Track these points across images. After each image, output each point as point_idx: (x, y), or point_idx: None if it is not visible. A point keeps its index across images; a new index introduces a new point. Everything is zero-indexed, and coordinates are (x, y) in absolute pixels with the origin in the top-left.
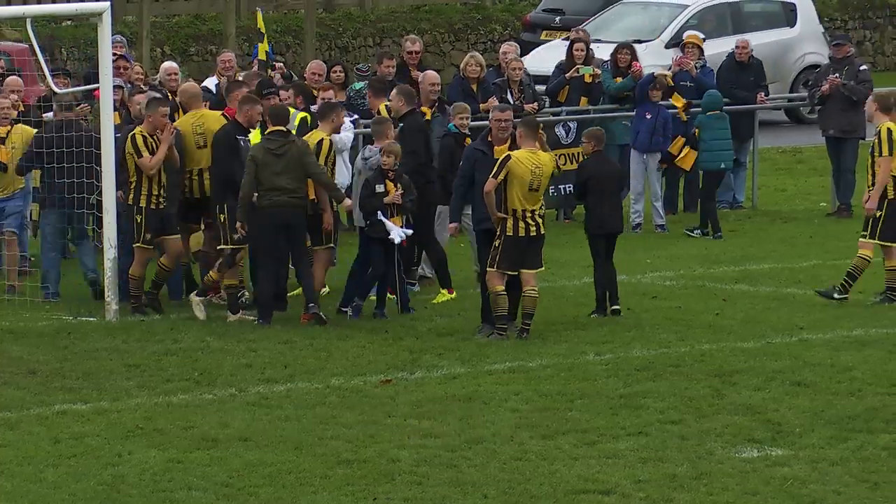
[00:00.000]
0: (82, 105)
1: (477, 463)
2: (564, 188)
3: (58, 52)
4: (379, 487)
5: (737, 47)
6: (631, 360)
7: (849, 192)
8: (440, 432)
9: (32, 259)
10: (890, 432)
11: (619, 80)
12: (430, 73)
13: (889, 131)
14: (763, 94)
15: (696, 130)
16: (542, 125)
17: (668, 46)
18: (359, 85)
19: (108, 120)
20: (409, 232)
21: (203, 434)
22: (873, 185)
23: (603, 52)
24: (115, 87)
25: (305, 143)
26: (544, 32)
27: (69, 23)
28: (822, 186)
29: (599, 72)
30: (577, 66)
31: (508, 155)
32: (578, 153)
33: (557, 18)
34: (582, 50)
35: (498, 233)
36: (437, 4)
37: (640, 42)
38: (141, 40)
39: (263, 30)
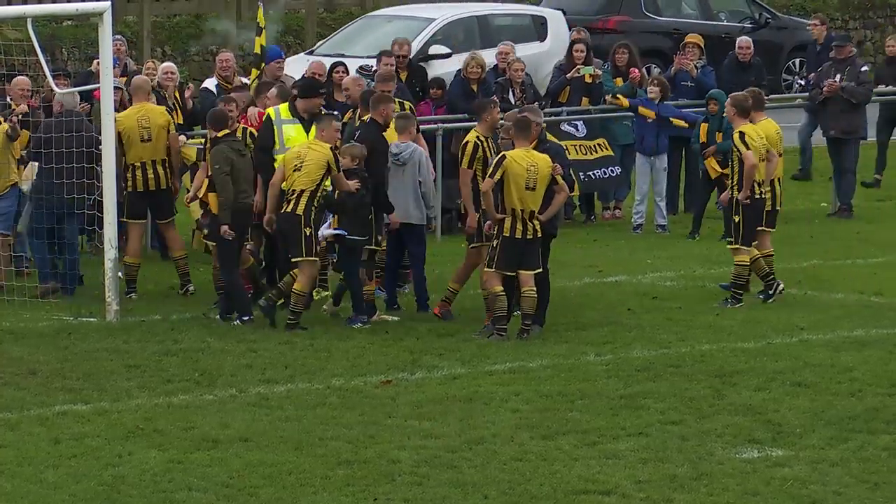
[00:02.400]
0: (82, 105)
1: (477, 463)
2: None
3: (58, 52)
4: (379, 488)
5: (739, 47)
6: (631, 361)
7: (850, 192)
8: (440, 433)
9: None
10: (890, 433)
11: (620, 81)
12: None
13: (742, 134)
14: (764, 93)
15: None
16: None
17: (415, 61)
18: None
19: (109, 120)
20: (335, 232)
21: (203, 435)
22: (732, 188)
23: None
24: (114, 88)
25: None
26: None
27: (70, 23)
28: (823, 187)
29: (600, 72)
30: (578, 67)
31: (504, 155)
32: (594, 146)
33: None
34: (582, 51)
35: (496, 233)
36: None
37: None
38: (142, 40)
39: (263, 24)
